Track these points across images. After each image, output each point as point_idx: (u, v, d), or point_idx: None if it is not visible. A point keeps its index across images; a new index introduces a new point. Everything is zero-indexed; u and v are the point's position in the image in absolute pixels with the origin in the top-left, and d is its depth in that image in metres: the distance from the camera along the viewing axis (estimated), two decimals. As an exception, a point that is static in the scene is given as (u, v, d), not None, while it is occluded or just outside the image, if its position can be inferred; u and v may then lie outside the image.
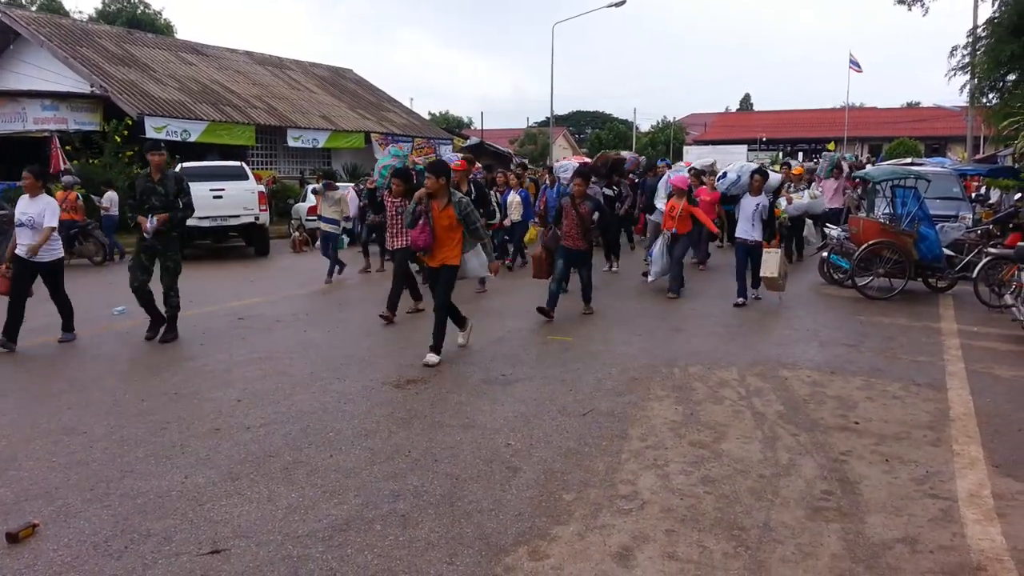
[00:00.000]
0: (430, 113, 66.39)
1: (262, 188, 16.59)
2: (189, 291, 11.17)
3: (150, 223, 7.80)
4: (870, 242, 10.58)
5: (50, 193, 8.33)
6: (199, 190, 14.99)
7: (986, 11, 18.54)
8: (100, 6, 44.48)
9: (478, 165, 14.42)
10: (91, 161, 19.50)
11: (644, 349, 7.67)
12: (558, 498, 4.23)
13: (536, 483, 4.42)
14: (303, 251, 17.41)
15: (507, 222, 13.38)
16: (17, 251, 7.70)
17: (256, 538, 3.77)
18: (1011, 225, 12.28)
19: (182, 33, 50.42)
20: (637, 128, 66.23)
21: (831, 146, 33.67)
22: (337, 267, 12.31)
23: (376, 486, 4.38)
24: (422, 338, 7.25)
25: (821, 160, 18.59)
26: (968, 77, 17.11)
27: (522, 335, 8.31)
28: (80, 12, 43.35)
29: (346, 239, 14.77)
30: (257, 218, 15.86)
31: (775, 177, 12.35)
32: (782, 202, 13.25)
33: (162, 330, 8.13)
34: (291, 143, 26.18)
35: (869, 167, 19.34)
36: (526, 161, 29.70)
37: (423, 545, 3.71)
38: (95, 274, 13.79)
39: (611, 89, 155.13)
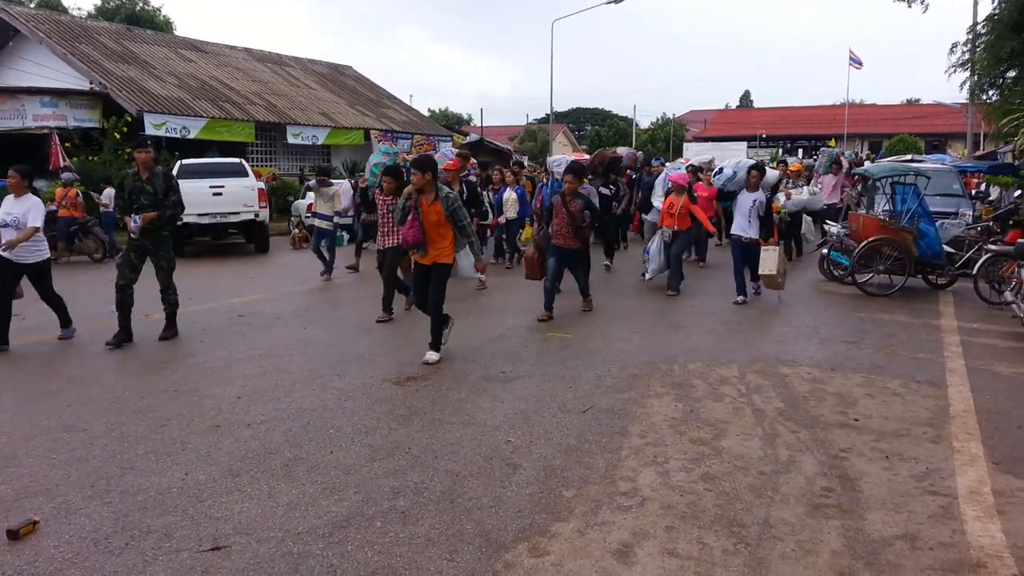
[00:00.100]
0: (429, 110, 66.26)
1: (262, 185, 16.58)
2: (189, 288, 11.17)
3: (133, 223, 7.71)
4: (870, 239, 10.57)
5: (36, 193, 8.24)
6: (199, 187, 15.08)
7: (986, 8, 18.55)
8: (99, 3, 44.38)
9: (473, 161, 14.32)
10: (90, 158, 19.50)
11: (644, 346, 7.67)
12: (558, 495, 4.23)
13: (536, 480, 4.42)
14: (303, 248, 17.37)
15: (502, 219, 13.34)
16: (1, 252, 7.56)
17: (256, 535, 3.78)
18: (1011, 222, 12.26)
19: (181, 30, 50.37)
20: (637, 125, 66.17)
21: (831, 143, 33.61)
22: (323, 265, 12.11)
23: (376, 483, 4.38)
24: (421, 336, 7.25)
25: (819, 156, 18.56)
26: (968, 74, 17.10)
27: (522, 332, 8.31)
28: (79, 9, 43.28)
29: (346, 236, 14.72)
30: (257, 215, 15.84)
31: (772, 173, 12.28)
32: (780, 197, 13.22)
33: (162, 328, 8.12)
34: (291, 140, 26.17)
35: (868, 164, 19.33)
36: (524, 159, 29.67)
37: (423, 542, 3.71)
38: (95, 271, 13.77)
39: (611, 86, 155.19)
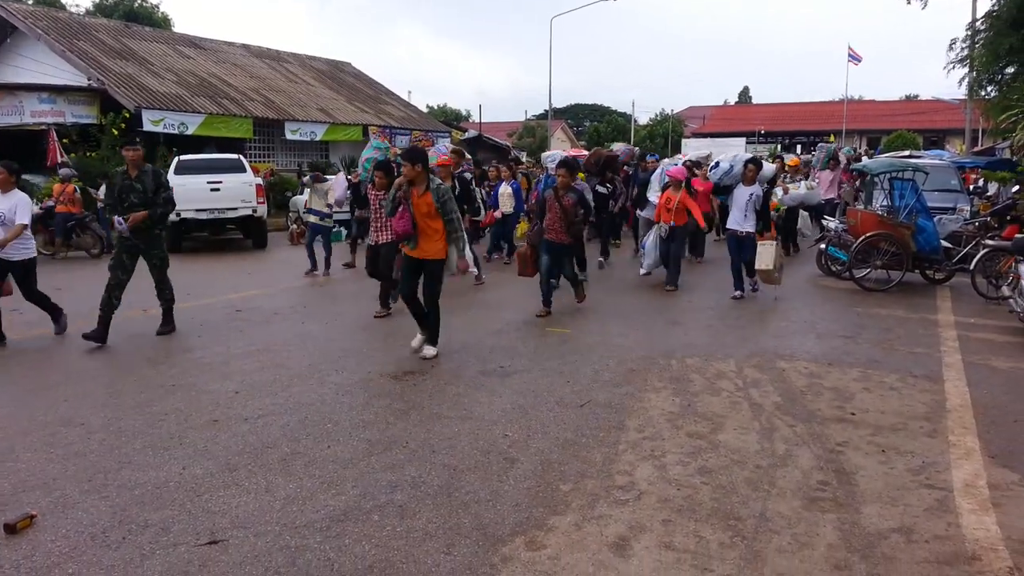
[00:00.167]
0: (428, 106, 66.23)
1: (260, 181, 16.57)
2: (187, 283, 11.16)
3: (119, 224, 7.62)
4: (868, 234, 10.58)
5: (24, 189, 8.17)
6: (197, 183, 15.08)
7: (985, 4, 18.52)
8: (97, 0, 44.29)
9: (468, 158, 14.29)
10: (88, 154, 19.47)
11: (641, 341, 7.68)
12: (555, 489, 4.24)
13: (533, 474, 4.43)
14: (301, 244, 17.36)
15: (498, 214, 13.30)
16: None
17: (254, 529, 3.78)
18: (1008, 217, 12.28)
19: (179, 27, 50.22)
20: (636, 121, 66.15)
21: (831, 138, 33.64)
22: (311, 263, 12.01)
23: (374, 477, 4.39)
24: (418, 331, 7.24)
25: (817, 151, 18.56)
26: (967, 70, 17.11)
27: (519, 327, 8.32)
28: (77, 5, 43.01)
29: (344, 231, 14.70)
30: (255, 211, 15.83)
31: (769, 167, 12.26)
32: (778, 192, 13.21)
33: (159, 323, 8.11)
34: (289, 136, 26.13)
35: (865, 159, 19.34)
36: (522, 155, 29.65)
37: (421, 535, 3.72)
38: (92, 266, 13.75)
39: (610, 81, 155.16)
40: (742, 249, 10.00)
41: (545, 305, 8.87)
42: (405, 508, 4.00)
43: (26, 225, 7.60)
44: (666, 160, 15.02)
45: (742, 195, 9.98)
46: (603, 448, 4.83)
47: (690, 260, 13.25)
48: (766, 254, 9.79)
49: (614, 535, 3.73)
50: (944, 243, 10.87)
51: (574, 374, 6.47)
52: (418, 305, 7.04)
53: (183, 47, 28.12)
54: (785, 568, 3.44)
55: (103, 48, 23.93)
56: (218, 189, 15.27)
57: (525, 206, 13.40)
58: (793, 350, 7.34)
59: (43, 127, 19.41)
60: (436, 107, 72.20)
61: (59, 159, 18.12)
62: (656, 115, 67.34)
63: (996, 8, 15.64)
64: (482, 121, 55.16)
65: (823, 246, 11.77)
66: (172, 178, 15.14)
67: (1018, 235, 9.69)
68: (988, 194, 18.59)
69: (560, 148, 43.55)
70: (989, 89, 17.23)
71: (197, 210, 15.16)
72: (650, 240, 11.02)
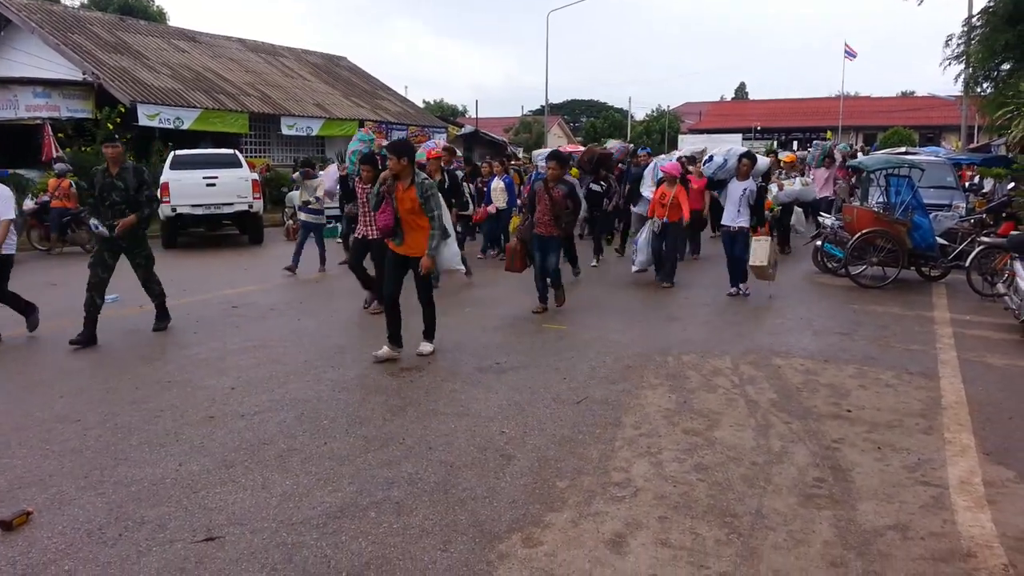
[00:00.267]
0: (424, 101, 66.16)
1: (256, 176, 16.53)
2: (182, 279, 11.15)
3: (94, 227, 7.49)
4: (864, 231, 10.59)
5: (18, 185, 8.09)
6: (192, 178, 15.04)
7: (981, 0, 18.54)
8: (92, -8, 44.13)
9: (459, 155, 14.23)
10: (83, 149, 19.39)
11: (638, 338, 7.68)
12: (552, 485, 4.24)
13: (530, 471, 4.43)
14: (297, 239, 17.35)
15: (492, 209, 13.24)
16: None
17: (250, 525, 3.78)
18: (1004, 214, 12.30)
19: (174, 21, 50.14)
20: (632, 117, 66.13)
21: (828, 135, 33.64)
22: (293, 261, 11.80)
23: (370, 473, 4.39)
24: (415, 327, 7.24)
25: (812, 148, 18.55)
26: (963, 66, 17.13)
27: (516, 324, 8.32)
28: (71, -2, 42.95)
29: (339, 227, 14.63)
30: (251, 206, 15.80)
31: (763, 161, 12.20)
32: (773, 188, 13.20)
33: (153, 319, 8.07)
34: (285, 131, 26.08)
35: (860, 155, 19.35)
36: (518, 151, 29.63)
37: (417, 532, 3.72)
38: (88, 261, 13.73)
39: (607, 77, 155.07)
40: (735, 244, 9.92)
41: (541, 302, 8.85)
42: (402, 505, 4.00)
43: (12, 220, 7.49)
44: (662, 156, 14.94)
45: (736, 190, 9.89)
46: (600, 445, 4.84)
47: (687, 257, 13.25)
48: (760, 250, 9.72)
49: (611, 532, 3.73)
50: (940, 240, 10.90)
51: (571, 371, 6.47)
52: (397, 312, 6.81)
53: (178, 41, 28.03)
54: (781, 565, 3.45)
55: (98, 42, 23.84)
56: (214, 184, 15.23)
57: (519, 200, 13.35)
58: (789, 347, 7.35)
59: (38, 122, 19.34)
60: (433, 102, 72.12)
61: (54, 154, 18.06)
62: (652, 111, 67.35)
63: (992, 4, 15.66)
64: (478, 116, 55.06)
65: (819, 243, 11.79)
66: (168, 173, 15.18)
67: (1014, 232, 9.72)
68: (984, 191, 18.63)
69: (557, 144, 43.54)
70: (985, 85, 17.26)
71: (193, 205, 15.12)
72: (643, 237, 10.93)
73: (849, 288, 10.53)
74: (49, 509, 3.96)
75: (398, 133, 29.55)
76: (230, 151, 17.13)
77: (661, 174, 11.06)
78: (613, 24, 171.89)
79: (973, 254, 10.09)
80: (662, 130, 59.94)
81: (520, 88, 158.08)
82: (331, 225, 14.82)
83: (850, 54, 47.90)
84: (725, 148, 12.35)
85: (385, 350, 6.74)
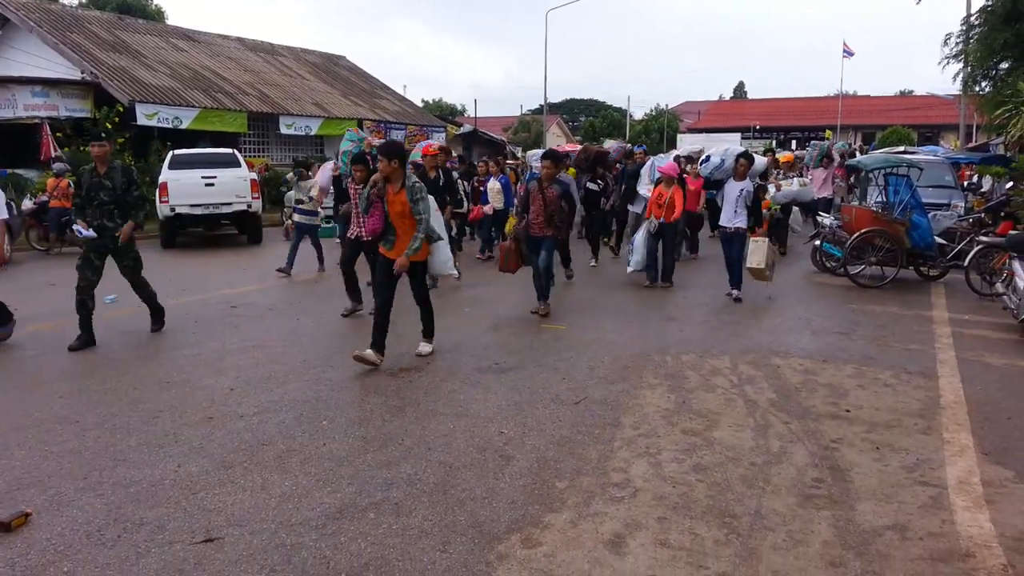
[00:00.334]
0: (423, 101, 66.05)
1: (254, 175, 16.51)
2: (181, 279, 11.15)
3: (79, 233, 7.38)
4: (862, 230, 10.59)
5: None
6: (191, 177, 15.03)
7: (979, -1, 18.54)
8: (90, -9, 44.07)
9: (454, 156, 14.20)
10: (82, 148, 19.32)
11: (637, 338, 7.69)
12: (551, 486, 4.24)
13: (529, 471, 4.44)
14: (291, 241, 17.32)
15: (488, 209, 13.17)
16: None
17: (249, 526, 3.78)
18: (1002, 214, 12.30)
19: (173, 20, 50.04)
20: (631, 116, 66.14)
21: (828, 133, 33.65)
22: (287, 262, 11.70)
23: (369, 474, 4.39)
24: (413, 328, 7.23)
25: (810, 148, 18.53)
26: (961, 65, 17.13)
27: (515, 324, 8.31)
28: (70, -3, 42.90)
29: (337, 227, 14.57)
30: (249, 206, 15.78)
31: (761, 161, 12.15)
32: (771, 189, 13.18)
33: (149, 320, 8.01)
34: (283, 130, 26.05)
35: (858, 154, 19.35)
36: (517, 150, 29.64)
37: (416, 533, 3.72)
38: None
39: (607, 76, 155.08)
40: (732, 246, 9.80)
41: (540, 301, 8.83)
42: (401, 505, 4.00)
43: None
44: (661, 155, 14.90)
45: (733, 190, 9.74)
46: (599, 445, 4.84)
47: (686, 257, 13.25)
48: (758, 252, 9.62)
49: (610, 532, 3.74)
50: (938, 239, 10.90)
51: (569, 371, 6.47)
52: (387, 319, 6.61)
53: (177, 40, 28.00)
54: (780, 565, 3.45)
55: (96, 41, 23.81)
56: (212, 184, 15.21)
57: (515, 201, 13.30)
58: (788, 347, 7.36)
59: (36, 121, 19.32)
60: (432, 101, 72.08)
61: (53, 153, 18.04)
62: (651, 110, 67.35)
63: (990, 3, 15.66)
64: (477, 116, 55.04)
65: (818, 242, 11.79)
66: (166, 173, 15.17)
67: (1012, 231, 9.72)
68: (982, 190, 18.63)
69: (556, 143, 43.55)
70: (983, 84, 17.26)
71: (191, 205, 15.11)
72: (639, 237, 10.81)
73: (848, 288, 10.53)
74: (48, 510, 3.95)
75: (397, 132, 29.60)
76: (229, 150, 17.11)
77: (658, 173, 10.99)
78: (614, 22, 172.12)
79: (972, 253, 10.09)
80: (661, 129, 59.93)
81: (519, 87, 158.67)
82: (329, 225, 14.80)
83: (847, 53, 47.94)
84: (722, 148, 12.32)
85: (369, 352, 6.49)
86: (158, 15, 42.91)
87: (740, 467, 4.51)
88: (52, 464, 4.55)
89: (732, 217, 9.76)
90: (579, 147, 17.31)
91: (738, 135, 43.57)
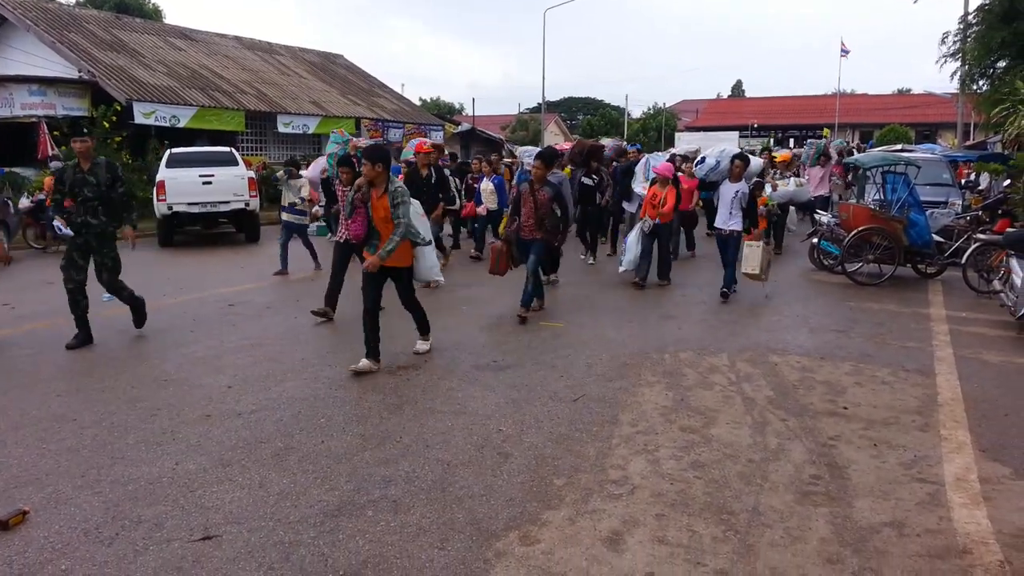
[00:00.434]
0: (421, 99, 65.98)
1: (252, 174, 16.49)
2: (179, 277, 11.14)
3: (58, 230, 7.29)
4: (860, 228, 10.61)
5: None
6: (189, 176, 15.01)
7: (977, -2, 18.57)
8: (87, -10, 44.00)
9: (446, 154, 14.15)
10: (79, 147, 19.33)
11: (635, 335, 7.69)
12: (549, 483, 4.25)
13: (527, 468, 4.44)
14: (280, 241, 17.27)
15: (482, 210, 13.10)
16: None
17: (247, 524, 3.78)
18: (1000, 211, 12.33)
19: (170, 18, 50.03)
20: (629, 115, 66.14)
21: (826, 132, 33.68)
22: (281, 264, 11.62)
23: (367, 472, 4.39)
24: (408, 327, 7.22)
25: (806, 147, 18.51)
26: (959, 64, 17.18)
27: (513, 322, 8.30)
28: (67, -4, 42.83)
29: (327, 226, 14.52)
30: (247, 204, 15.76)
31: (756, 163, 12.10)
32: (768, 188, 13.17)
33: (131, 321, 7.91)
34: (281, 129, 26.03)
35: (856, 152, 19.36)
36: (515, 149, 29.61)
37: (414, 530, 3.72)
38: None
39: (605, 75, 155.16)
40: (727, 247, 9.69)
41: (538, 299, 8.82)
42: (399, 503, 4.00)
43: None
44: (656, 154, 14.86)
45: (728, 192, 9.63)
46: (596, 442, 4.84)
47: (683, 255, 13.25)
48: (753, 257, 9.53)
49: (608, 529, 3.74)
50: (936, 237, 10.91)
51: (567, 368, 6.47)
52: (376, 325, 6.51)
53: (174, 39, 27.96)
54: (778, 562, 3.46)
55: (93, 40, 23.77)
56: (210, 182, 15.19)
57: (509, 199, 13.24)
58: (786, 344, 7.36)
59: (34, 119, 19.29)
60: (429, 100, 72.03)
61: (50, 152, 18.01)
62: (649, 108, 67.32)
63: (988, 2, 15.70)
64: (475, 114, 55.03)
65: (816, 240, 11.80)
66: (164, 171, 15.15)
67: (1009, 229, 9.75)
68: (980, 188, 18.67)
69: (554, 142, 43.55)
70: (981, 83, 17.31)
71: (189, 203, 15.09)
72: (632, 236, 10.69)
73: (845, 285, 10.54)
74: (46, 508, 3.95)
75: (395, 131, 29.60)
76: (226, 149, 17.08)
77: (653, 173, 10.92)
78: (613, 21, 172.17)
79: (969, 251, 10.10)
80: (659, 128, 59.92)
81: (517, 86, 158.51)
82: (322, 224, 14.78)
83: (844, 52, 48.03)
84: (717, 150, 12.29)
85: (364, 363, 6.41)
86: (155, 14, 42.85)
87: (738, 464, 4.52)
88: (50, 462, 4.55)
89: (727, 219, 9.64)
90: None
91: (736, 134, 43.52)
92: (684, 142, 30.87)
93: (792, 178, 14.43)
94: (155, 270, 12.26)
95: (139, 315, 7.88)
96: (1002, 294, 8.55)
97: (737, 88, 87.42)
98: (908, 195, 10.81)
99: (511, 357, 6.84)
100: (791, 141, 48.93)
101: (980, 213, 12.90)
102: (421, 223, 6.64)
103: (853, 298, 9.72)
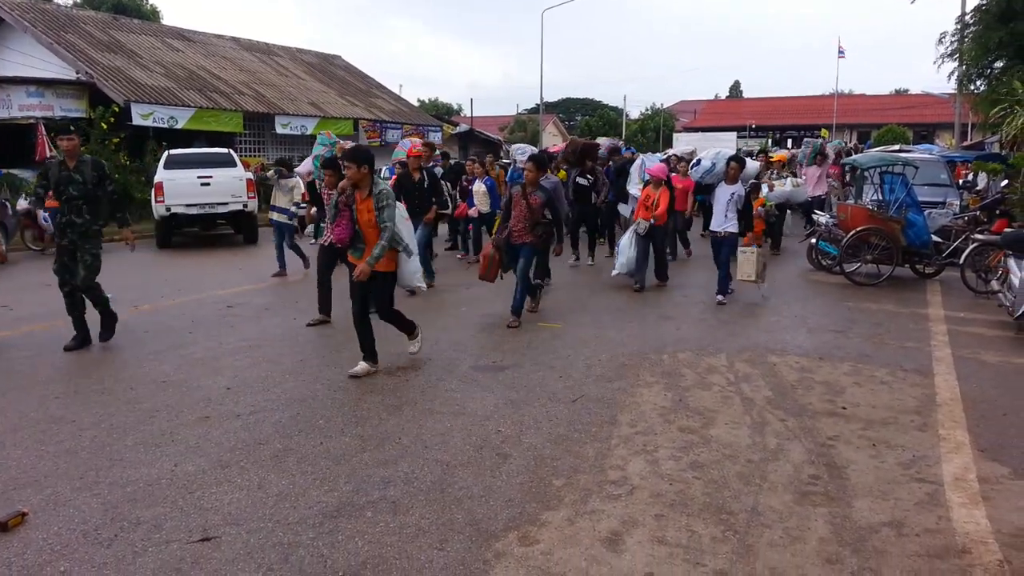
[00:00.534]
0: (419, 100, 66.04)
1: (250, 175, 16.47)
2: (177, 279, 11.14)
3: (44, 220, 7.16)
4: (858, 228, 10.62)
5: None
6: (187, 177, 15.01)
7: (974, -2, 18.59)
8: (85, -9, 43.96)
9: (437, 154, 14.07)
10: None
11: (633, 336, 7.69)
12: (548, 484, 4.25)
13: (526, 469, 4.44)
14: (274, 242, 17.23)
15: (473, 212, 13.03)
16: None
17: (246, 525, 3.78)
18: (998, 211, 12.35)
19: (168, 19, 50.00)
20: (627, 115, 66.16)
21: (824, 132, 33.70)
22: (279, 265, 11.60)
23: (366, 473, 4.39)
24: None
25: (803, 147, 18.50)
26: (956, 64, 17.20)
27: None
28: (64, -3, 42.80)
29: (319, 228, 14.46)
30: (245, 205, 15.76)
31: (752, 165, 12.05)
32: (764, 189, 13.16)
33: (103, 328, 7.64)
34: (279, 130, 26.02)
35: (853, 152, 19.37)
36: (510, 148, 29.60)
37: (414, 531, 3.72)
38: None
39: (603, 75, 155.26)
40: (722, 250, 9.61)
41: (533, 302, 8.79)
42: (398, 504, 4.00)
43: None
44: (650, 154, 14.85)
45: (724, 194, 9.53)
46: (595, 443, 4.84)
47: (681, 256, 13.26)
48: (747, 264, 9.44)
49: (607, 530, 3.74)
50: (934, 237, 10.92)
51: (566, 369, 6.48)
52: (368, 327, 6.44)
53: (172, 40, 27.94)
54: (777, 562, 3.46)
55: (91, 41, 23.75)
56: (208, 184, 15.19)
57: (502, 201, 13.18)
58: (784, 344, 7.37)
59: (32, 121, 19.27)
60: (427, 101, 72.12)
61: (48, 153, 17.95)
62: (647, 109, 67.33)
63: (985, 2, 15.72)
64: (473, 115, 55.02)
65: (814, 240, 11.80)
66: (162, 173, 15.15)
67: (1007, 229, 9.76)
68: (978, 188, 18.69)
69: (552, 142, 43.57)
70: (978, 83, 17.33)
71: (187, 205, 15.08)
72: (624, 239, 10.52)
73: (844, 286, 10.55)
74: (44, 510, 3.95)
75: (393, 132, 29.59)
76: (224, 150, 17.08)
77: (647, 175, 10.86)
78: (611, 22, 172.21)
79: (967, 251, 10.11)
80: (657, 128, 59.94)
81: (516, 87, 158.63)
82: (322, 224, 14.72)
83: (842, 53, 48.14)
84: (713, 152, 12.27)
85: (362, 366, 6.37)
86: (153, 15, 42.87)
87: (737, 464, 4.52)
88: (48, 464, 4.54)
89: (723, 221, 9.54)
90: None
91: (734, 134, 43.56)
92: (682, 143, 30.89)
93: (789, 178, 14.43)
94: (153, 272, 12.26)
95: (108, 327, 7.57)
96: (1000, 294, 8.56)
97: (735, 89, 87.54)
98: (906, 195, 10.82)
99: (510, 358, 6.84)
100: (789, 142, 48.96)
101: (978, 213, 12.92)
102: (405, 227, 6.48)
103: (851, 298, 9.73)
